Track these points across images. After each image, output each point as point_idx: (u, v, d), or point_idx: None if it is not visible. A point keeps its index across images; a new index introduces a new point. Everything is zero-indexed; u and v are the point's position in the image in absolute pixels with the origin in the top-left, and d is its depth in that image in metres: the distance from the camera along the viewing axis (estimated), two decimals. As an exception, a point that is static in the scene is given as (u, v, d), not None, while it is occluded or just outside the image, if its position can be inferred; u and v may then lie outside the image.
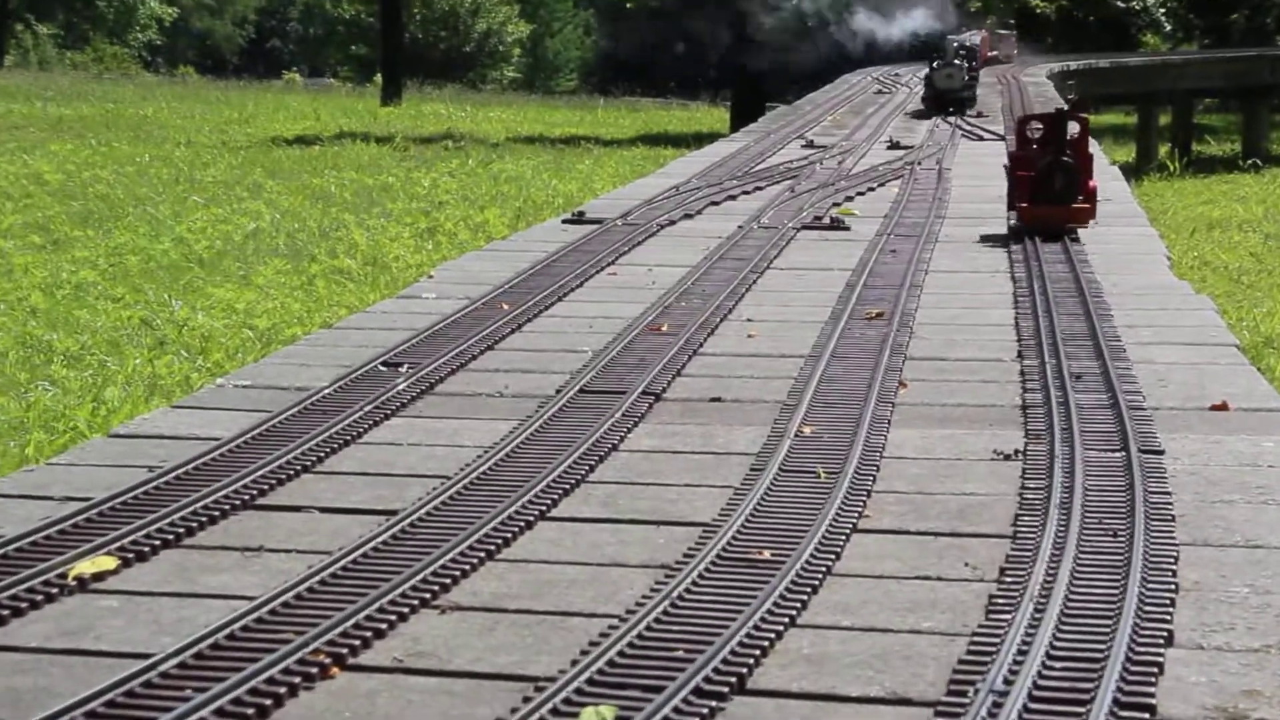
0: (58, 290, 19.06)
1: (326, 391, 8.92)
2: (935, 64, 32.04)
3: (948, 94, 31.13)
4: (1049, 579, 6.11)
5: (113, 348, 15.82)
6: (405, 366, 9.54)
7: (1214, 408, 8.75)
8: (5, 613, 5.77)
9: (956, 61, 31.77)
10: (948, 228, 15.78)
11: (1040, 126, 14.85)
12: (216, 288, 19.44)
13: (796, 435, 8.11)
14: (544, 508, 7.08)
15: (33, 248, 22.73)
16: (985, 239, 14.98)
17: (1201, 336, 10.57)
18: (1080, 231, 15.02)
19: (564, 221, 16.59)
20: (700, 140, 35.74)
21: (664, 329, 10.72)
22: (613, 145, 44.94)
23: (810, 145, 24.55)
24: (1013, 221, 15.00)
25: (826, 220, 16.01)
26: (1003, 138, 25.26)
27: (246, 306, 18.17)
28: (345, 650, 5.50)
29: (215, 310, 17.93)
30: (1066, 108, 15.51)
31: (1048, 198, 14.41)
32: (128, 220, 25.96)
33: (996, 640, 5.58)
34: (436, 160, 37.98)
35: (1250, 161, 42.71)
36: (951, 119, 29.31)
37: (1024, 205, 14.56)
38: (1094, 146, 16.76)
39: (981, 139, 24.99)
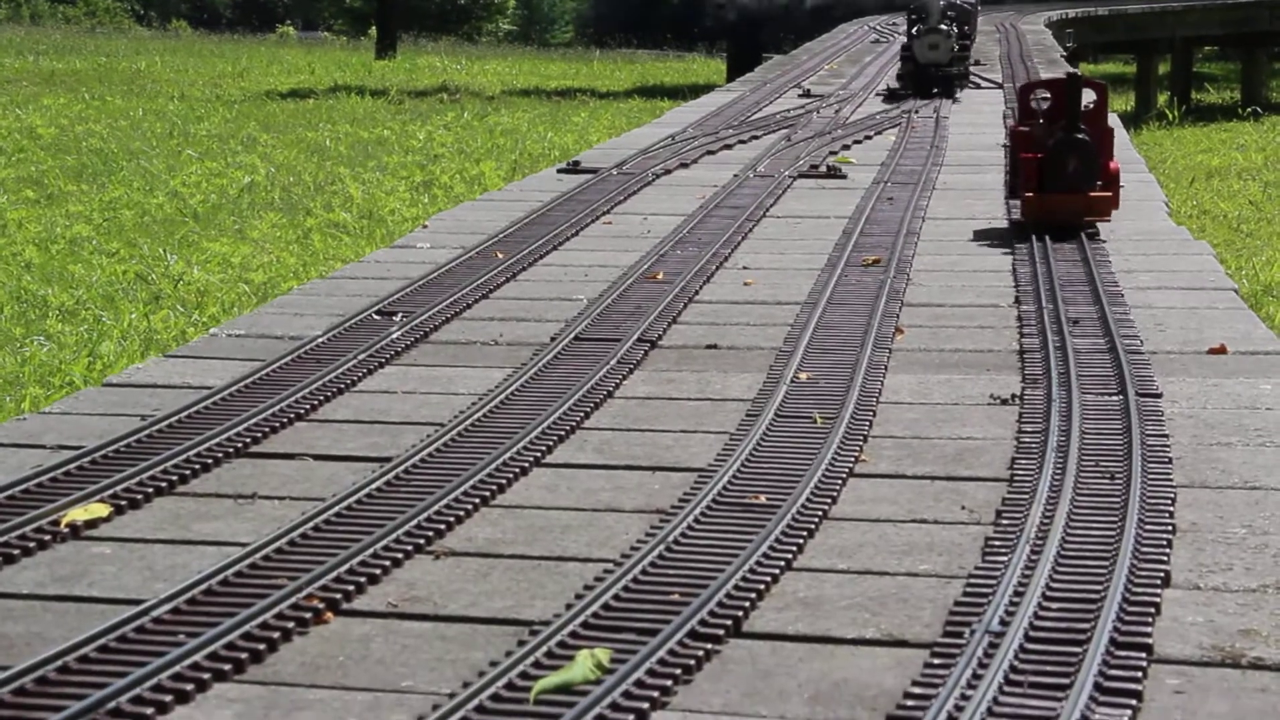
0: (52, 245, 19.02)
1: (320, 340, 8.89)
2: (916, 29, 23.84)
3: (932, 70, 23.40)
4: (1045, 521, 6.09)
5: (108, 302, 15.79)
6: (399, 315, 9.51)
7: (1211, 351, 8.72)
8: (-2, 560, 5.75)
9: (943, 26, 23.49)
10: (945, 175, 15.72)
11: (1048, 96, 12.08)
12: (211, 242, 19.39)
13: (793, 381, 8.08)
14: (539, 454, 7.06)
15: (27, 202, 22.68)
16: (983, 186, 14.91)
17: (1199, 281, 10.54)
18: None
19: (559, 171, 16.53)
20: (697, 91, 35.62)
21: (660, 277, 10.68)
22: (608, 97, 44.81)
23: (807, 94, 24.45)
24: (1015, 214, 12.61)
25: (823, 168, 15.94)
26: (1000, 85, 25.19)
27: (242, 260, 18.13)
28: (339, 595, 5.48)
29: (210, 264, 17.89)
30: (1079, 73, 12.26)
31: (1059, 184, 11.64)
32: (122, 174, 25.90)
33: (993, 582, 5.56)
34: (432, 113, 37.88)
35: (1250, 109, 42.58)
36: (937, 101, 22.61)
37: (1029, 195, 11.75)
38: (1114, 121, 15.10)
39: (979, 86, 24.89)
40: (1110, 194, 11.87)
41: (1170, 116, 40.15)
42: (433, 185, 24.92)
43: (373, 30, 66.39)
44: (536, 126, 34.60)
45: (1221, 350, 8.72)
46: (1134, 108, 44.92)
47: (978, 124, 19.00)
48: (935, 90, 23.29)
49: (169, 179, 25.29)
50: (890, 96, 23.77)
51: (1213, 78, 56.22)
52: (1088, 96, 11.97)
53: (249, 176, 25.58)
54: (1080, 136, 11.74)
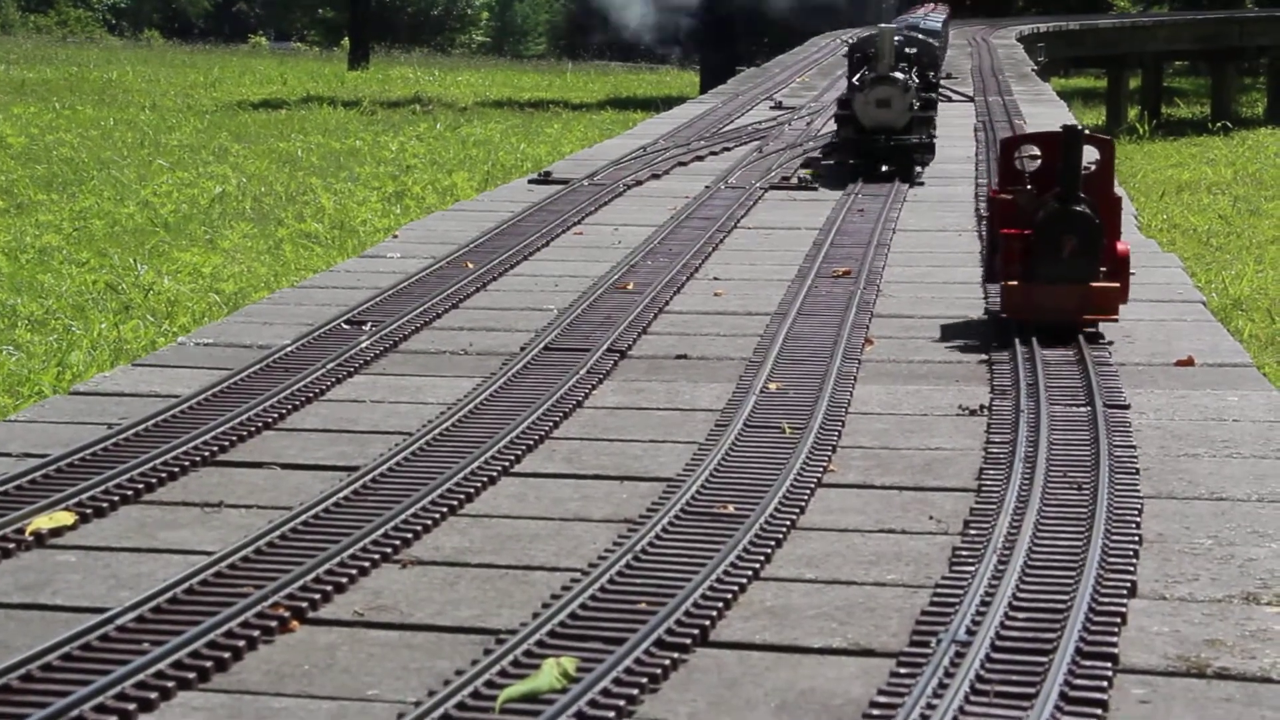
0: (21, 254, 18.96)
1: (289, 349, 8.86)
2: (859, 76, 15.97)
3: (881, 139, 15.68)
4: (1013, 531, 6.10)
5: (78, 312, 15.75)
6: (369, 324, 9.49)
7: (1179, 363, 8.74)
8: (-39, 568, 5.72)
9: (899, 74, 15.61)
10: (918, 190, 15.75)
11: (1036, 154, 9.48)
12: (182, 252, 19.35)
13: (762, 391, 8.08)
14: (507, 463, 7.04)
15: (-4, 211, 22.60)
16: (954, 198, 14.94)
17: (1168, 294, 10.57)
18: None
19: (530, 182, 16.53)
20: (670, 103, 35.66)
21: (630, 287, 10.68)
22: (582, 109, 44.85)
23: (779, 107, 24.48)
24: (992, 304, 9.99)
25: (794, 180, 15.96)
26: (972, 99, 25.18)
27: (213, 270, 18.10)
28: (305, 604, 5.46)
29: (181, 274, 17.86)
30: (1082, 127, 9.41)
31: (1052, 271, 9.07)
32: (92, 184, 25.84)
33: (960, 591, 5.57)
34: (404, 124, 37.87)
35: (1219, 124, 42.79)
36: (889, 188, 15.10)
37: (1012, 285, 9.16)
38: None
39: (950, 100, 24.91)
40: (1118, 284, 9.14)
41: (1141, 131, 40.33)
42: (405, 196, 24.92)
43: (345, 41, 66.35)
44: (509, 138, 34.62)
45: (1189, 362, 8.74)
46: (1105, 122, 45.09)
47: (949, 136, 19.01)
48: (885, 168, 15.55)
49: (140, 189, 25.25)
50: (812, 177, 16.19)
51: (1183, 92, 56.49)
52: (1089, 155, 9.25)
53: (220, 186, 25.55)
54: (1079, 209, 9.01)
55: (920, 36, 17.37)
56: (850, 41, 19.17)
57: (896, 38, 15.96)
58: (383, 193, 25.37)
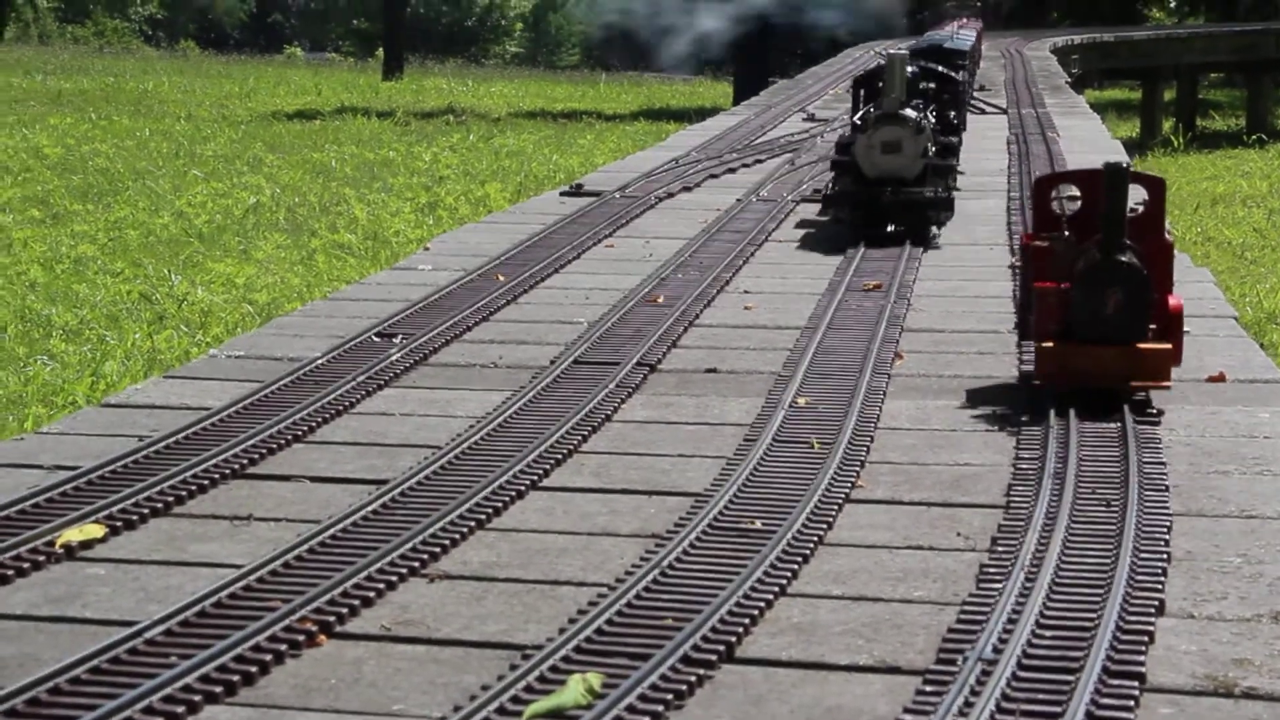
0: (57, 264, 19.06)
1: (319, 362, 8.89)
2: (864, 113, 13.34)
3: (888, 192, 12.87)
4: (1041, 548, 6.09)
5: (112, 322, 15.82)
6: (399, 337, 9.52)
7: (1211, 379, 8.71)
8: (-9, 580, 5.75)
9: (910, 111, 12.91)
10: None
11: (1076, 194, 8.36)
12: (216, 262, 19.43)
13: (791, 406, 8.08)
14: (535, 477, 7.06)
15: (32, 222, 22.72)
16: (986, 213, 14.92)
17: (1200, 309, 10.53)
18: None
19: (562, 194, 16.55)
20: (702, 114, 35.67)
21: (660, 300, 10.69)
22: (614, 120, 44.89)
23: (811, 119, 24.48)
24: (1025, 366, 8.89)
25: (826, 193, 15.93)
26: (1005, 111, 25.13)
27: (246, 281, 18.16)
28: (333, 618, 5.47)
29: (215, 285, 17.92)
30: (1127, 163, 8.55)
31: (1093, 331, 7.99)
32: (127, 194, 25.95)
33: (987, 609, 5.56)
34: (437, 135, 37.95)
35: (1255, 136, 42.63)
36: (900, 249, 12.50)
37: (1047, 346, 8.05)
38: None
39: (984, 112, 24.88)
40: (1169, 345, 8.06)
41: (1175, 143, 40.21)
42: (438, 206, 24.97)
43: (380, 52, 66.54)
44: (542, 149, 34.67)
45: (1220, 378, 8.71)
46: (1139, 134, 44.97)
47: (981, 149, 19.02)
48: (891, 228, 12.79)
49: (174, 199, 25.35)
50: (805, 241, 13.54)
51: (1218, 104, 56.32)
52: (1137, 195, 8.26)
53: (254, 197, 25.64)
54: (1125, 259, 7.98)
55: (939, 69, 14.70)
56: (860, 72, 15.89)
57: (910, 67, 13.21)
58: (416, 203, 25.44)
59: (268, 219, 23.68)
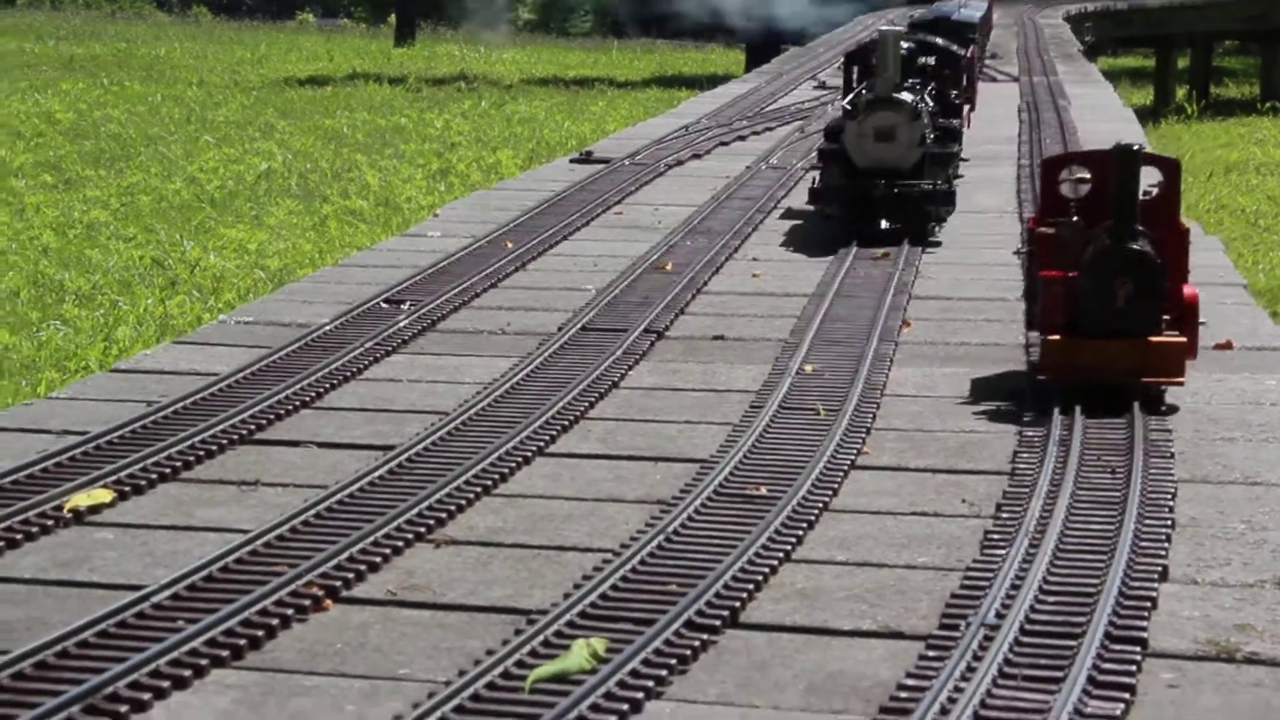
0: (69, 230, 19.08)
1: (328, 328, 8.92)
2: (855, 96, 12.52)
3: (879, 185, 11.68)
4: (1045, 514, 6.11)
5: (124, 288, 15.84)
6: (407, 304, 9.53)
7: (1218, 346, 8.71)
8: (0, 545, 5.78)
9: (906, 95, 11.90)
10: (961, 169, 15.71)
11: (1086, 175, 7.85)
12: (228, 228, 19.44)
13: (798, 373, 8.09)
14: (542, 444, 7.08)
15: (45, 187, 22.74)
16: (996, 180, 14.90)
17: (1209, 276, 10.50)
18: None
19: (572, 161, 16.55)
20: (715, 82, 35.59)
21: (668, 268, 10.70)
22: (626, 87, 44.78)
23: (822, 86, 24.43)
24: (1032, 356, 8.31)
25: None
26: (1016, 79, 25.06)
27: (258, 247, 18.17)
28: (339, 583, 5.51)
29: (227, 250, 17.94)
30: (1140, 146, 7.69)
31: (1102, 323, 7.51)
32: (139, 160, 25.95)
33: (990, 575, 5.58)
34: (449, 101, 37.89)
35: (1268, 104, 42.44)
36: (898, 249, 11.32)
37: (1053, 339, 7.57)
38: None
39: (995, 80, 24.81)
40: (1186, 339, 7.60)
41: (1189, 111, 40.06)
42: (449, 173, 24.95)
43: (392, 18, 66.39)
44: (554, 115, 34.59)
45: (1228, 346, 8.72)
46: (1153, 102, 44.82)
47: (991, 117, 18.98)
48: (885, 225, 11.56)
49: (186, 165, 25.35)
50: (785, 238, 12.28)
51: (1232, 72, 56.08)
52: (1150, 177, 7.80)
53: (266, 163, 25.63)
54: (1137, 246, 7.50)
55: (938, 43, 13.48)
56: (852, 47, 14.48)
57: (906, 43, 12.27)
58: (428, 170, 25.42)
59: (279, 185, 23.68)
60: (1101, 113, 20.45)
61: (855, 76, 12.75)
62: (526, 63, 52.36)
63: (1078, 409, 7.22)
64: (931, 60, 12.89)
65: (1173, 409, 7.50)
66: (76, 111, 32.62)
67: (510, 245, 11.46)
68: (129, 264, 16.99)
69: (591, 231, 12.54)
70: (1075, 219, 7.72)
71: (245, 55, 52.80)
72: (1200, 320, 7.75)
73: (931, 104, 12.16)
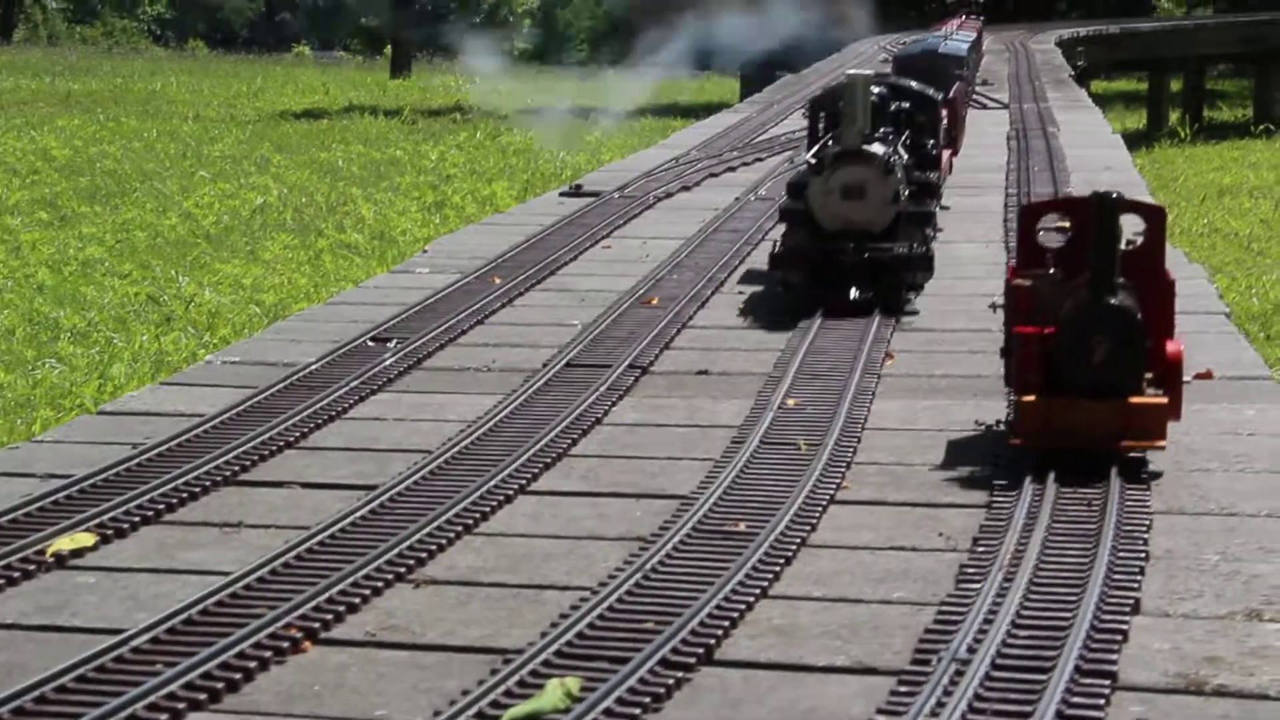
0: (65, 266, 19.17)
1: (314, 367, 8.98)
2: (819, 147, 10.99)
3: (847, 250, 10.46)
4: (1020, 548, 6.16)
5: (119, 324, 15.91)
6: (393, 342, 9.60)
7: (1198, 376, 8.74)
8: (-17, 590, 5.84)
9: (877, 147, 10.64)
10: (947, 200, 15.78)
11: (1066, 224, 7.68)
12: (224, 263, 19.52)
13: (780, 407, 8.15)
14: (524, 481, 7.13)
15: (40, 224, 22.84)
16: (983, 209, 14.97)
17: (1191, 305, 10.55)
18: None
19: (561, 195, 16.63)
20: (710, 110, 35.70)
21: (655, 302, 10.76)
22: (623, 116, 44.91)
23: (814, 115, 24.48)
24: (1007, 417, 7.75)
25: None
26: (1006, 105, 25.13)
27: (253, 282, 18.25)
28: (317, 624, 5.56)
29: (222, 286, 18.02)
30: (1118, 193, 7.19)
31: (1079, 382, 7.17)
32: (135, 196, 26.06)
33: (964, 609, 5.63)
34: (445, 133, 38.03)
35: (1262, 127, 42.59)
36: (869, 320, 10.05)
37: (1028, 400, 7.20)
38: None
39: (985, 108, 24.90)
40: (1168, 399, 7.23)
41: (1182, 134, 40.18)
42: (445, 205, 25.04)
43: (388, 50, 66.60)
44: (549, 146, 34.70)
45: (1208, 375, 8.77)
46: (1146, 125, 44.95)
47: (978, 145, 19.06)
48: (855, 294, 10.36)
49: (182, 200, 25.45)
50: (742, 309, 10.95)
51: (1225, 95, 56.23)
52: (1133, 226, 7.59)
53: (261, 197, 25.74)
54: (1116, 302, 7.17)
55: (913, 88, 12.01)
56: (817, 94, 13.25)
57: (877, 88, 11.05)
58: (423, 202, 25.52)
59: (275, 219, 23.78)
60: (1090, 138, 20.54)
61: (822, 126, 11.41)
62: (522, 93, 52.49)
63: (1051, 476, 6.88)
64: (905, 105, 11.71)
65: (1155, 475, 7.14)
66: (72, 148, 32.75)
67: (498, 281, 11.53)
68: (124, 300, 17.08)
69: (579, 265, 12.61)
70: (1052, 271, 7.40)
71: (241, 89, 52.98)
72: (1184, 378, 7.38)
73: (906, 156, 11.05)
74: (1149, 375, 7.24)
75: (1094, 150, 19.01)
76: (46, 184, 27.18)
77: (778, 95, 29.50)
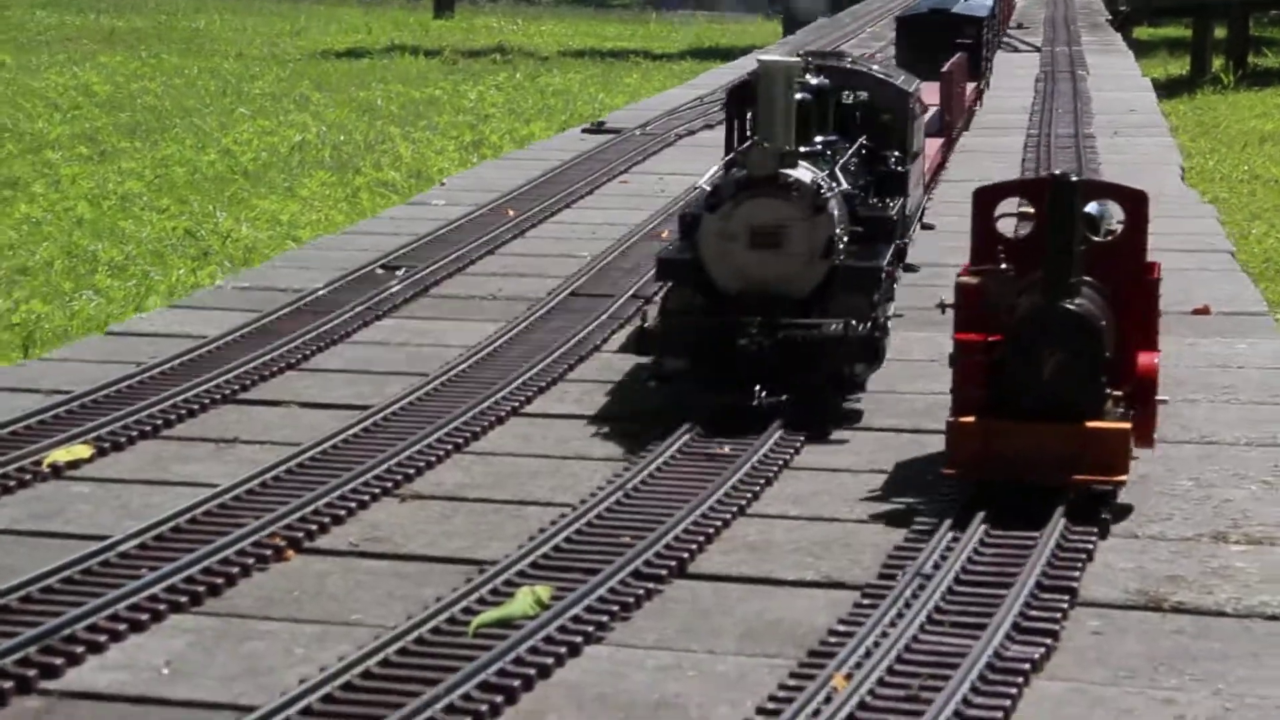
0: (104, 201, 19.30)
1: (321, 293, 9.12)
2: (721, 178, 7.37)
3: (762, 313, 7.03)
4: (996, 473, 6.24)
5: (157, 258, 16.04)
6: (402, 270, 9.73)
7: (1195, 311, 8.85)
8: (-22, 497, 6.02)
9: (800, 172, 7.18)
10: (967, 138, 15.81)
11: (1029, 209, 6.55)
12: (261, 199, 19.63)
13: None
14: (517, 404, 7.27)
15: (80, 158, 22.99)
16: (1002, 150, 14.99)
17: (1198, 244, 10.64)
18: (1097, 141, 14.90)
19: (583, 131, 16.71)
20: (747, 54, 35.64)
21: (664, 235, 10.85)
22: (662, 59, 44.88)
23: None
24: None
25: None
26: (1038, 49, 25.04)
27: (290, 218, 18.34)
28: (301, 534, 5.72)
29: (259, 221, 18.12)
30: (1070, 175, 6.02)
31: (1027, 402, 5.96)
32: (174, 132, 26.19)
33: (934, 528, 5.74)
34: (484, 74, 38.04)
35: (1307, 74, 42.20)
36: (771, 433, 6.77)
37: (964, 421, 6.00)
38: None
39: (1017, 50, 24.80)
40: (1127, 425, 5.98)
41: (1225, 81, 39.90)
42: (482, 145, 25.09)
43: (433, -12, 66.51)
44: (588, 87, 34.71)
45: (1205, 311, 8.85)
46: (1189, 72, 44.66)
47: (1011, 87, 19.04)
48: (761, 397, 6.92)
49: (221, 137, 25.56)
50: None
51: (1271, 42, 55.75)
52: (1111, 214, 6.69)
53: (300, 135, 25.82)
54: (1071, 305, 5.95)
55: (875, 72, 8.68)
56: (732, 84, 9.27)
57: (816, 79, 7.82)
58: (460, 141, 25.56)
59: (313, 157, 23.87)
60: (1119, 81, 20.50)
61: (736, 124, 8.33)
62: (564, 34, 52.48)
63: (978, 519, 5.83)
64: (860, 100, 8.29)
65: (1120, 511, 5.98)
66: (113, 84, 32.90)
67: (512, 213, 11.65)
68: (162, 235, 17.20)
69: (595, 200, 12.71)
70: (1004, 266, 6.10)
71: (285, 28, 53.04)
72: (1160, 398, 6.22)
73: (852, 179, 7.80)
74: (1116, 393, 6.04)
75: (1121, 94, 19.00)
76: (87, 119, 27.33)
77: (810, 37, 29.44)
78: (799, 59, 7.82)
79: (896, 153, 8.49)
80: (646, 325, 7.25)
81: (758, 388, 6.93)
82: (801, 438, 6.76)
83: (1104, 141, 14.85)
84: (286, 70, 37.91)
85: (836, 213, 7.29)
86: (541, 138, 25.00)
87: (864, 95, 8.30)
